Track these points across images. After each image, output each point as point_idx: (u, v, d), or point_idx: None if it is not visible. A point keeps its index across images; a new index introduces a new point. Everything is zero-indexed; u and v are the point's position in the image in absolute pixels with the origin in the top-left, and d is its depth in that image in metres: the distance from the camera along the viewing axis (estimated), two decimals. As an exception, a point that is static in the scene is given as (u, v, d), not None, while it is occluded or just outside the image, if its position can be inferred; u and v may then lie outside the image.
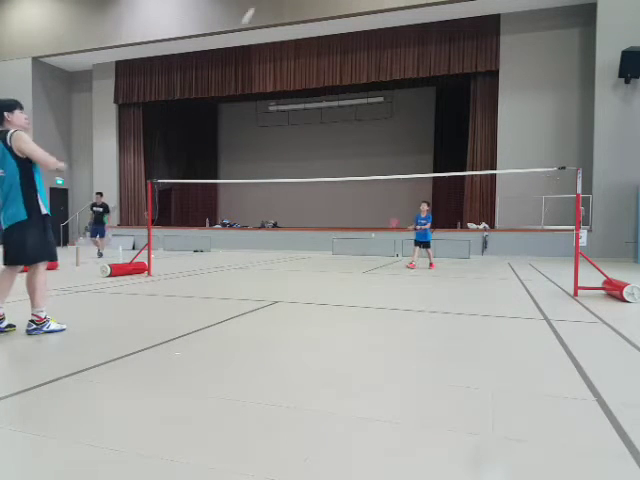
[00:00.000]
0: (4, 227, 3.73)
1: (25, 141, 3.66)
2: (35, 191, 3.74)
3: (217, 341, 3.62)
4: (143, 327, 4.14)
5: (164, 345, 3.41)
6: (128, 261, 8.42)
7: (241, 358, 3.14)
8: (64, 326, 3.89)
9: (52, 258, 3.88)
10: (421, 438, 1.97)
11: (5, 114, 3.73)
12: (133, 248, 15.52)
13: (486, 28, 13.99)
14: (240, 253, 14.44)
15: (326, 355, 3.26)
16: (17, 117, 3.78)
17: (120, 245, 11.22)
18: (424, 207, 9.99)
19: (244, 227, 17.25)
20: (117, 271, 7.83)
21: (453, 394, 2.48)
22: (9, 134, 3.64)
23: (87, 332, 3.90)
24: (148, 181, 8.78)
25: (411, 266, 9.85)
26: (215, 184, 21.17)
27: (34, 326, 3.73)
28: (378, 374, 2.83)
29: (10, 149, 3.63)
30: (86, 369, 2.84)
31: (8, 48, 17.77)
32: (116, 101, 18.23)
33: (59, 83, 18.88)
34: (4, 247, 3.73)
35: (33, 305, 3.77)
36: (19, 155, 3.64)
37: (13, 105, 3.78)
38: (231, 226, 17.43)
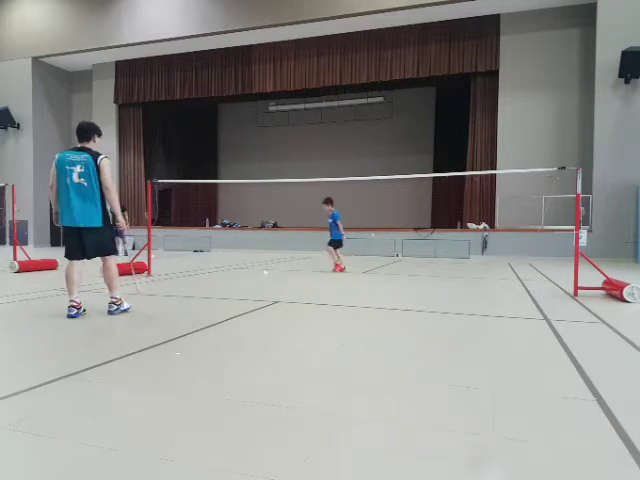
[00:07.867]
0: (82, 225, 4.36)
1: (108, 170, 4.44)
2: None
3: (217, 341, 3.61)
4: (142, 327, 4.13)
5: (163, 345, 3.41)
6: (128, 261, 8.40)
7: (241, 358, 3.14)
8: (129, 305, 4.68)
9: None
10: (421, 438, 1.97)
11: (95, 136, 4.50)
12: (133, 248, 15.51)
13: (486, 28, 14.00)
14: (240, 253, 14.43)
15: (326, 355, 3.26)
16: (98, 143, 4.56)
17: (120, 245, 11.20)
18: (325, 207, 9.05)
19: (244, 227, 17.24)
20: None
21: (453, 394, 2.47)
22: (100, 157, 4.39)
23: (86, 332, 3.90)
24: (148, 181, 8.78)
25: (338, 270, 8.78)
26: (215, 184, 21.16)
27: (115, 307, 4.50)
28: (378, 374, 2.83)
29: (97, 168, 4.36)
30: (84, 370, 2.84)
31: (8, 48, 17.78)
32: (116, 101, 18.23)
33: (59, 83, 18.87)
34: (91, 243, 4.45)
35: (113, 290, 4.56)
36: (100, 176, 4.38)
37: (101, 132, 4.61)
38: (231, 226, 17.42)
